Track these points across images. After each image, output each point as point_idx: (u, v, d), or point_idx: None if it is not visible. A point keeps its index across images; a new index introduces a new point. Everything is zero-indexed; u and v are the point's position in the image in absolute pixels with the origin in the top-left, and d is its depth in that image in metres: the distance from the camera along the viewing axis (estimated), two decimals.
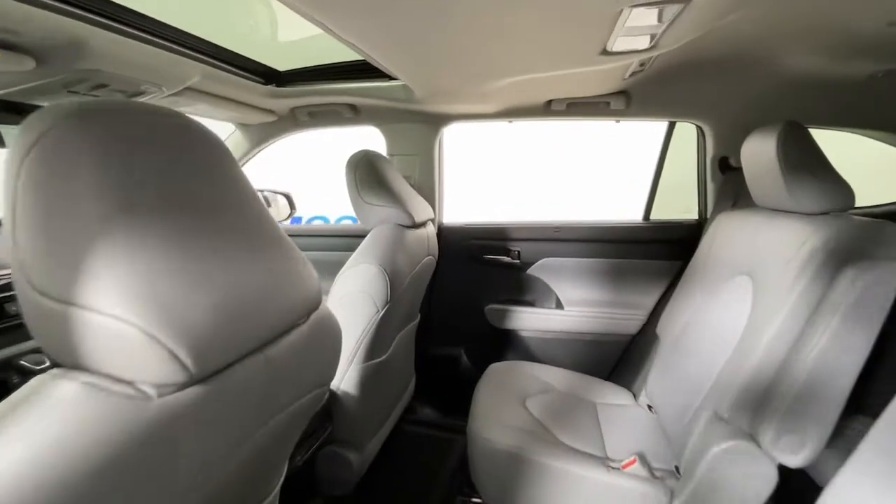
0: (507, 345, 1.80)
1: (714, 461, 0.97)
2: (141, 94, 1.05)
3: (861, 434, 0.49)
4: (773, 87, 1.20)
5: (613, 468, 1.09)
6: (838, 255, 0.86)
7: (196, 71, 1.09)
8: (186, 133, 0.46)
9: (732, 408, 0.97)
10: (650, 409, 1.41)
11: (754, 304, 1.04)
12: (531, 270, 1.73)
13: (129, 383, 0.35)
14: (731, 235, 1.25)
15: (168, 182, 0.41)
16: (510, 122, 1.54)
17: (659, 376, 1.36)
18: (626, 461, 1.11)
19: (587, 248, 1.67)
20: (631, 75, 1.15)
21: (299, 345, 0.55)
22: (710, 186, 1.48)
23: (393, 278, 1.13)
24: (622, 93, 1.30)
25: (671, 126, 1.53)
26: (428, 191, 1.66)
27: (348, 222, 3.51)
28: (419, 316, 1.59)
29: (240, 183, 0.50)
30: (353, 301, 1.12)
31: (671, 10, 0.72)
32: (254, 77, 1.31)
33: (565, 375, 1.57)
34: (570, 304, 1.71)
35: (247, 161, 1.80)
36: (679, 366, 1.26)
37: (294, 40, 1.41)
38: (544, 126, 3.66)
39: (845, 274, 0.84)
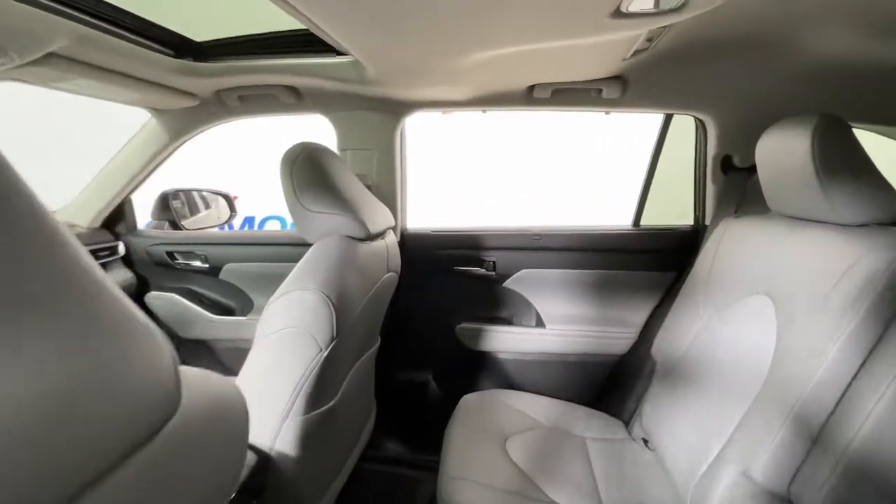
0: (480, 368, 1.58)
1: None
2: None
3: None
4: (790, 76, 1.03)
5: None
6: None
7: (61, 31, 0.79)
8: None
9: (767, 467, 0.78)
10: (646, 444, 1.22)
11: (781, 332, 0.86)
12: (508, 283, 1.51)
13: None
14: (741, 246, 1.07)
15: None
16: (484, 111, 1.31)
17: (658, 409, 1.18)
18: None
19: (571, 257, 1.47)
20: (633, 55, 0.94)
21: (129, 492, 0.29)
22: (710, 189, 1.31)
23: (340, 307, 0.87)
24: (618, 78, 1.10)
25: (667, 120, 1.34)
26: (388, 192, 1.41)
27: None
28: (379, 340, 1.34)
29: (14, 209, 0.24)
30: (286, 340, 0.85)
31: None
32: (159, 47, 1.02)
33: (548, 405, 1.37)
34: (551, 322, 1.51)
35: (168, 155, 1.49)
36: (684, 400, 1.07)
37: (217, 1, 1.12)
38: (521, 117, 3.48)
39: None
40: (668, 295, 1.42)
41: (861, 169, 0.82)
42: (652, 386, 1.26)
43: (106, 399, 0.27)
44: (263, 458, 0.90)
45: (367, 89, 1.21)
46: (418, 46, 0.89)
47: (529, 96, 1.20)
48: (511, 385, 1.54)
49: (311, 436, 0.94)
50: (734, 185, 1.25)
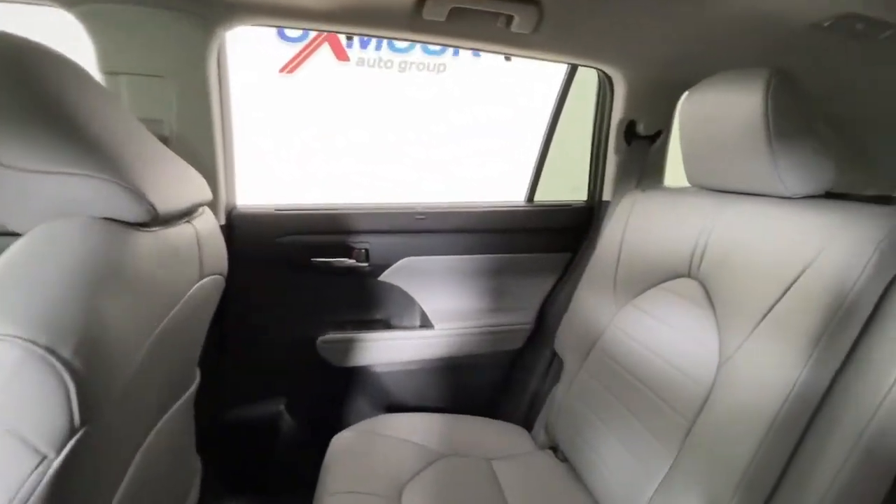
0: (352, 390, 1.22)
1: None
2: None
3: None
4: (720, 30, 0.89)
5: None
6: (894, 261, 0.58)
7: None
8: None
9: (743, 497, 0.64)
10: (555, 453, 1.05)
11: (725, 327, 0.73)
12: (385, 276, 1.17)
13: None
14: (656, 223, 0.94)
15: None
16: (349, 37, 0.92)
17: (569, 414, 1.01)
18: None
19: (460, 240, 1.20)
20: None
21: None
22: (611, 159, 1.17)
23: (89, 369, 0.42)
24: (534, 5, 0.83)
25: (570, 77, 1.15)
26: (200, 151, 0.91)
27: None
28: (198, 375, 0.87)
29: None
30: None
31: None
32: None
33: (441, 425, 1.10)
34: (441, 321, 1.23)
35: None
36: (604, 404, 0.91)
37: None
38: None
39: None
40: (563, 278, 1.28)
41: (810, 132, 0.71)
42: (559, 385, 1.09)
43: None
44: None
45: None
46: None
47: (417, 17, 0.85)
48: (393, 405, 1.23)
49: None
50: (636, 155, 1.13)
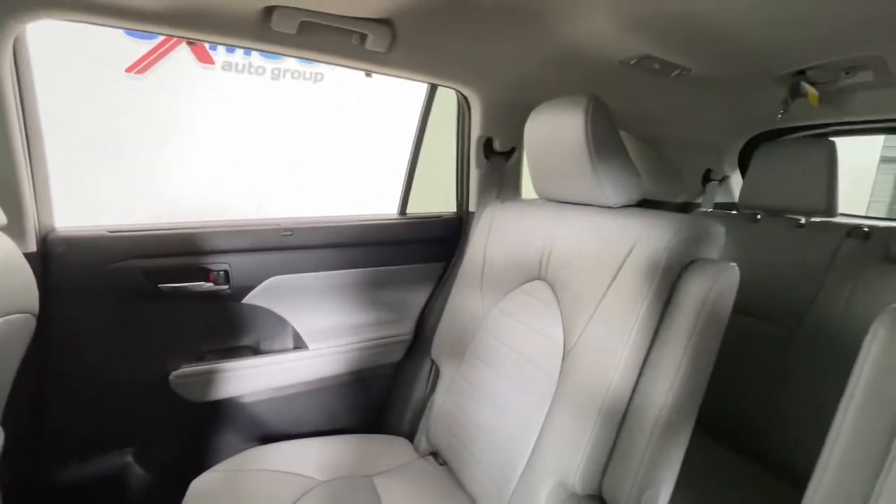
0: (218, 426, 1.11)
1: None
2: None
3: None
4: (547, 58, 1.01)
5: None
6: (680, 256, 0.71)
7: None
8: None
9: (585, 472, 0.72)
10: (436, 458, 1.08)
11: (567, 321, 0.82)
12: (250, 299, 1.09)
13: None
14: (512, 232, 1.03)
15: None
16: (190, 41, 0.84)
17: (445, 417, 1.04)
18: None
19: (331, 256, 1.17)
20: None
21: None
22: (473, 173, 1.25)
23: None
24: (387, 24, 0.85)
25: (431, 94, 1.20)
26: None
27: None
28: (1, 437, 0.71)
29: None
30: None
31: None
32: None
33: (320, 449, 1.06)
34: (315, 340, 1.18)
35: None
36: (474, 404, 0.97)
37: None
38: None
39: (697, 279, 0.70)
40: (437, 287, 1.32)
41: (622, 150, 0.84)
42: (436, 392, 1.12)
43: None
44: None
45: None
46: None
47: (265, 26, 0.81)
48: (268, 437, 1.14)
49: None
50: (495, 169, 1.22)
